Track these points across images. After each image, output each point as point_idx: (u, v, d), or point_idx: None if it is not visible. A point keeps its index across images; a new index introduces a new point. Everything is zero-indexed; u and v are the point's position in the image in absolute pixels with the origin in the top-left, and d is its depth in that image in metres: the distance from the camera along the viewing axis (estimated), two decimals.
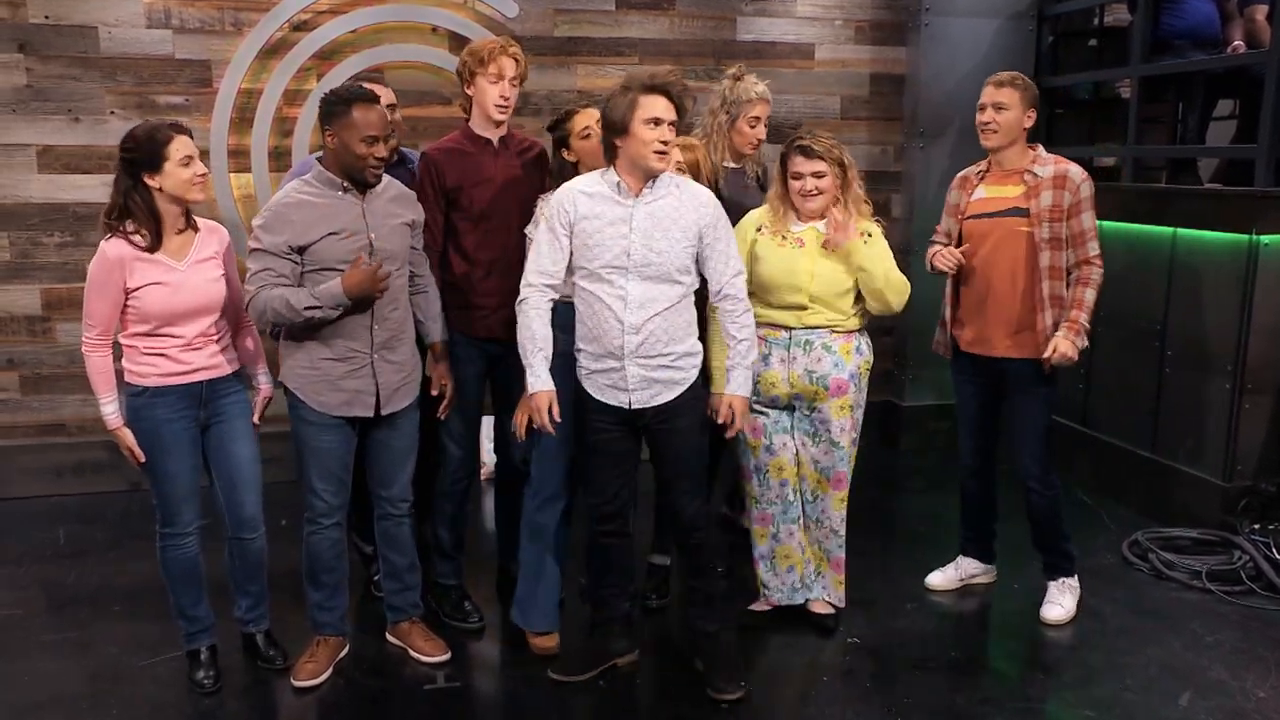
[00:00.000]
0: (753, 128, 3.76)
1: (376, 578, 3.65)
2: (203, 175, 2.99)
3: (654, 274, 2.94)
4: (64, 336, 4.82)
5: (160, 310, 2.97)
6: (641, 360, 2.97)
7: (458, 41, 4.90)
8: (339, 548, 3.26)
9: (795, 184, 3.29)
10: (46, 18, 4.58)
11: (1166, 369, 4.58)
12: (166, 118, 3.13)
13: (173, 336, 3.00)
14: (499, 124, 3.41)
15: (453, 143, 3.44)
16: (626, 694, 3.25)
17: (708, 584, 3.22)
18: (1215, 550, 4.10)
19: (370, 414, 3.15)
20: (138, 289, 2.95)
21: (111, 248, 2.93)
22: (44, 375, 4.85)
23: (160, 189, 2.93)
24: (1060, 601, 3.71)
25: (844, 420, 3.37)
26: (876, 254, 3.31)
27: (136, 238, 2.94)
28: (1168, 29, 4.74)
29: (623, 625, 3.33)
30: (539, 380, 2.99)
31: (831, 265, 3.29)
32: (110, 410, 3.04)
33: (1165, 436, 4.60)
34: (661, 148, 2.87)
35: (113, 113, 4.70)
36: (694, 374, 3.08)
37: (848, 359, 3.35)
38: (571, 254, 3.00)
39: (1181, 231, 4.47)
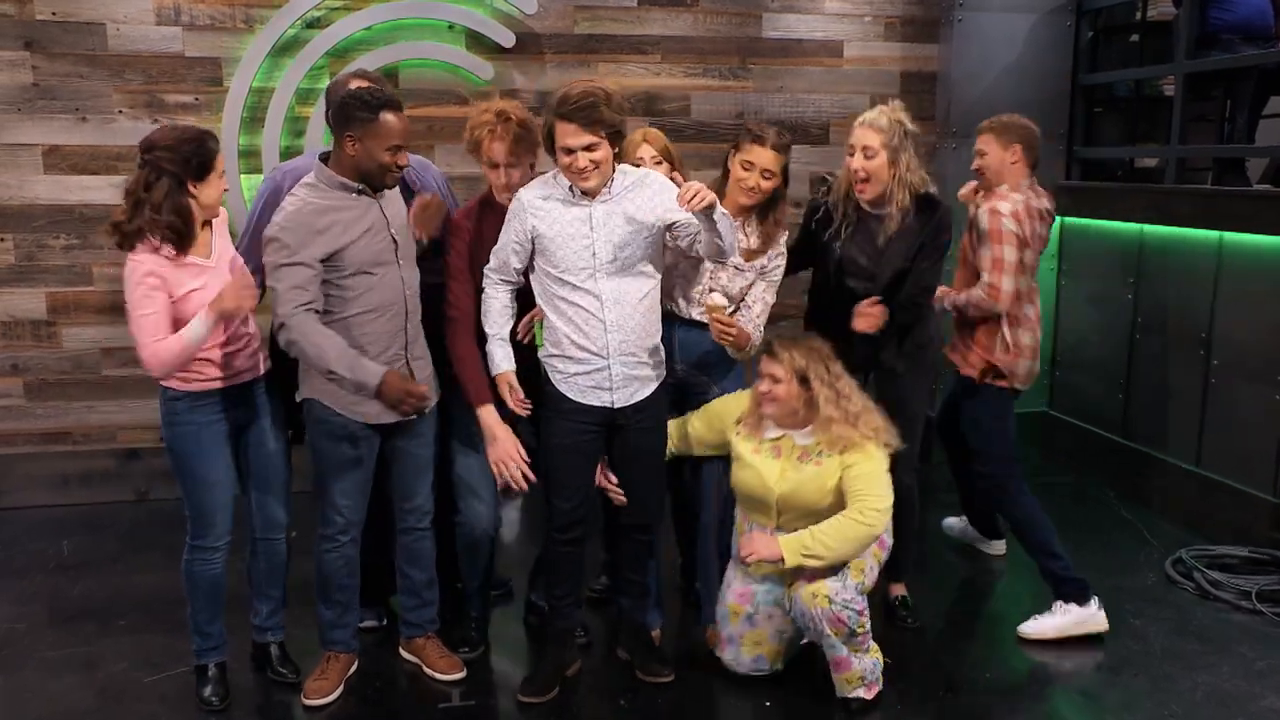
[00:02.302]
0: (851, 155, 3.35)
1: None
2: (225, 189, 2.99)
3: (620, 269, 2.99)
4: (70, 341, 4.75)
5: (199, 309, 2.89)
6: (624, 358, 3.04)
7: (475, 39, 4.83)
8: (353, 565, 3.20)
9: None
10: (54, 14, 4.51)
11: (1212, 379, 4.47)
12: (193, 124, 3.07)
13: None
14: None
15: (474, 204, 3.29)
16: (648, 711, 3.18)
17: (645, 578, 3.38)
18: (1265, 569, 3.98)
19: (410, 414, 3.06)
20: (179, 299, 2.87)
21: (143, 263, 2.82)
22: (49, 381, 4.78)
23: (197, 198, 2.87)
24: (1045, 619, 3.57)
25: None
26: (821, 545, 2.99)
27: (165, 248, 2.84)
28: (1217, 23, 4.62)
29: (573, 635, 3.39)
30: (503, 360, 3.09)
31: (801, 482, 3.09)
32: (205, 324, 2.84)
33: (1211, 449, 4.49)
34: (575, 174, 2.90)
35: (120, 112, 4.63)
36: (663, 370, 3.18)
37: (856, 576, 3.07)
38: (535, 259, 3.04)
39: (1228, 235, 4.37)
